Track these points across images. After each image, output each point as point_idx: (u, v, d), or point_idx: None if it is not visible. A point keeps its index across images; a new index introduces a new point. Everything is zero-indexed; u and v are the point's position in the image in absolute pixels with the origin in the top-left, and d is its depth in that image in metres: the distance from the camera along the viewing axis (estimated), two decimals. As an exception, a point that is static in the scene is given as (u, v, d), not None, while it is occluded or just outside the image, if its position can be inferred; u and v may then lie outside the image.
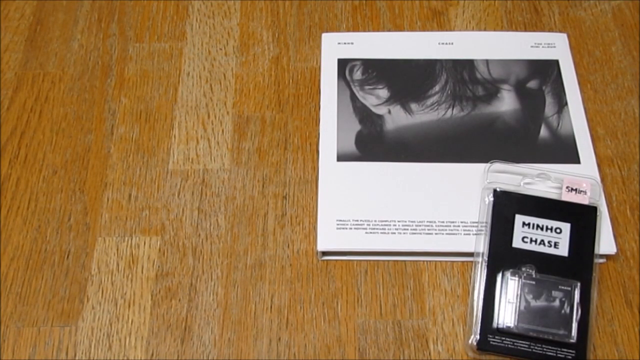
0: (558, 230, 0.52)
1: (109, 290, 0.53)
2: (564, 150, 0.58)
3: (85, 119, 0.62)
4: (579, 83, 0.62)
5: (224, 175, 0.59)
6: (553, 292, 0.50)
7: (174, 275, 0.54)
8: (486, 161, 0.56)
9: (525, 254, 0.52)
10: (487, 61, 0.63)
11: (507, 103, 0.61)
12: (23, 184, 0.58)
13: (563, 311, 0.50)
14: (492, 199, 0.54)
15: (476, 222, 0.54)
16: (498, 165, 0.56)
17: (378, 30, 0.67)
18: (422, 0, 0.69)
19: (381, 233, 0.54)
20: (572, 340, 0.49)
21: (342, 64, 0.63)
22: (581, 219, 0.53)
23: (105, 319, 0.52)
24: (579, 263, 0.51)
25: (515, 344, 0.49)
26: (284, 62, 0.65)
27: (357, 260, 0.55)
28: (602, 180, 0.57)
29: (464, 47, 0.64)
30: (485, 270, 0.51)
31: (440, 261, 0.54)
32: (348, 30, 0.67)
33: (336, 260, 0.55)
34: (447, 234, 0.54)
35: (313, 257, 0.55)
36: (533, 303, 0.50)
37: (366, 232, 0.54)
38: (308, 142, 0.60)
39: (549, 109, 0.61)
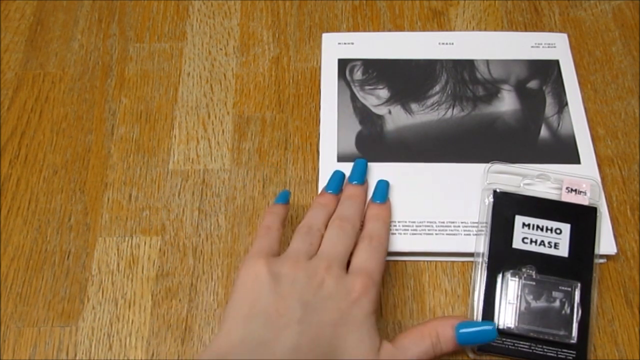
0: (558, 231, 0.52)
1: (109, 291, 0.53)
2: (564, 151, 0.58)
3: (86, 119, 0.62)
4: (579, 83, 0.62)
5: (224, 175, 0.59)
6: (553, 292, 0.50)
7: (175, 276, 0.54)
8: (486, 161, 0.56)
9: (526, 255, 0.52)
10: (487, 61, 0.63)
11: (507, 103, 0.61)
12: (23, 184, 0.58)
13: (563, 312, 0.50)
14: (492, 199, 0.54)
15: (476, 223, 0.54)
16: (498, 166, 0.56)
17: (378, 30, 0.67)
18: (422, 0, 0.69)
19: (381, 233, 0.54)
20: (572, 341, 0.49)
21: (342, 64, 0.63)
22: (581, 219, 0.53)
23: (106, 319, 0.52)
24: (579, 263, 0.51)
25: (516, 344, 0.49)
26: (284, 62, 0.65)
27: (357, 261, 0.55)
28: (603, 180, 0.57)
29: (464, 47, 0.64)
30: (486, 271, 0.51)
31: (441, 261, 0.55)
32: (348, 30, 0.67)
33: (336, 260, 0.55)
34: (447, 234, 0.54)
35: (313, 257, 0.55)
36: (533, 304, 0.50)
37: (366, 233, 0.54)
38: (308, 142, 0.60)
39: (549, 109, 0.61)
